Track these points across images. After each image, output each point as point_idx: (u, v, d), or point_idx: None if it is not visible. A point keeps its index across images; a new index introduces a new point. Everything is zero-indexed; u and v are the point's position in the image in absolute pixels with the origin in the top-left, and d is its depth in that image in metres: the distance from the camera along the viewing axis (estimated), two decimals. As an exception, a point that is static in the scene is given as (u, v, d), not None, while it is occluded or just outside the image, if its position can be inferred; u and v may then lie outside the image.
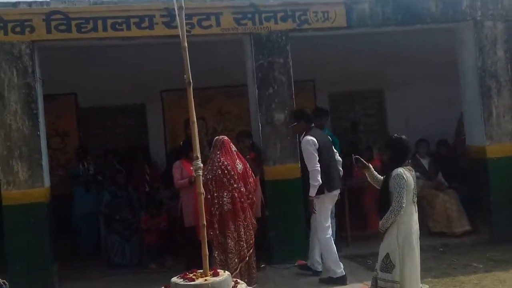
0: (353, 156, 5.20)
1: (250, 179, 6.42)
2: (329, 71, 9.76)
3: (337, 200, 6.95)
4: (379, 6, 7.63)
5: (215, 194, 6.17)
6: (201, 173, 4.42)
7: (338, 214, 8.15)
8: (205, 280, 4.06)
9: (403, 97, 10.17)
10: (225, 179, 6.18)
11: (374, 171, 5.08)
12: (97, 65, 8.92)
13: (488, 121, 7.86)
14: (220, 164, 6.21)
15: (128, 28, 6.95)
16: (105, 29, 6.90)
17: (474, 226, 8.17)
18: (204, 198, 5.14)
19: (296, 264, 7.05)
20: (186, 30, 4.34)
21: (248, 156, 6.95)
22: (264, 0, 7.34)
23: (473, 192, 8.21)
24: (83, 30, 6.86)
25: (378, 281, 4.66)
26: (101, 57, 8.67)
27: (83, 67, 8.92)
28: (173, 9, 4.64)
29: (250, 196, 6.43)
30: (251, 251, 6.31)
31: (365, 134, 10.62)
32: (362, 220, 8.40)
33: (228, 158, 6.28)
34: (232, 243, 6.14)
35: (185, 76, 4.22)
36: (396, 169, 4.62)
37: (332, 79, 9.95)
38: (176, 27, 5.27)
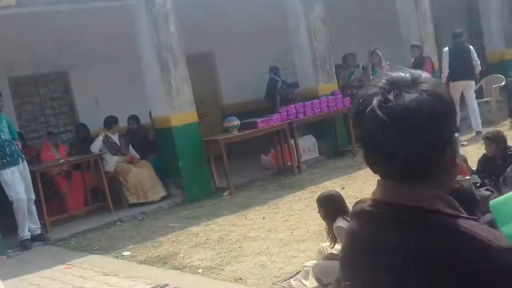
0: None
1: None
2: (5, 55, 9.10)
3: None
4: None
5: None
6: None
7: (35, 201, 7.83)
8: None
9: (90, 77, 10.10)
10: None
11: None
12: None
13: (169, 92, 8.41)
14: None
15: None
16: None
17: (168, 191, 8.76)
18: None
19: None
20: None
21: None
22: None
23: (164, 160, 8.77)
24: None
25: None
26: None
27: None
28: None
29: None
30: None
31: (54, 117, 10.29)
32: (59, 204, 8.28)
33: None
34: None
35: None
36: None
37: (10, 63, 9.32)
38: None
